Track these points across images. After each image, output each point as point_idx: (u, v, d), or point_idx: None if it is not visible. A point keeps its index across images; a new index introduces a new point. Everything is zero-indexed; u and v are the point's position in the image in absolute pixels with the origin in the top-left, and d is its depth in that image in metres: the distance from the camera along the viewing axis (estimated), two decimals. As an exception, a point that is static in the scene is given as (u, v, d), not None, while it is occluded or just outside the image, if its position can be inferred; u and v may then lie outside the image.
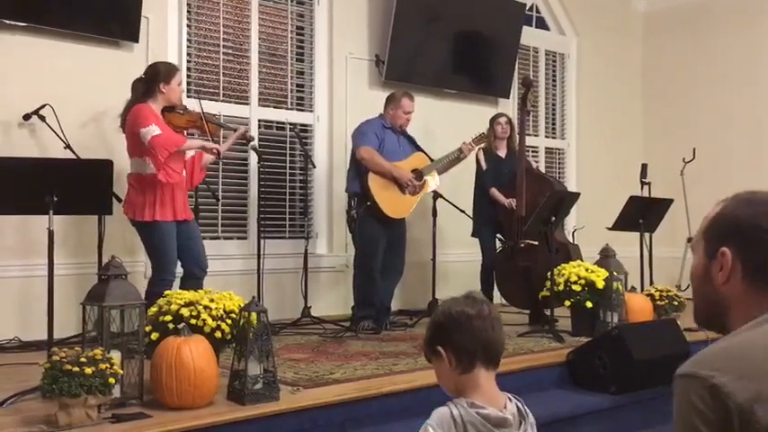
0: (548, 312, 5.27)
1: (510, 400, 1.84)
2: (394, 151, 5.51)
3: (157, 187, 4.37)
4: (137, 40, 5.24)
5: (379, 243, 5.43)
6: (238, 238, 5.96)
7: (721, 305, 1.35)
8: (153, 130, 4.29)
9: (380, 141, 5.45)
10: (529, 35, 7.69)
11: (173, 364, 3.10)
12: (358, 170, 5.43)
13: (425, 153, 5.69)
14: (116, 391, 3.04)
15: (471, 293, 1.89)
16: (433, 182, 5.68)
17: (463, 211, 5.86)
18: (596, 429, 4.09)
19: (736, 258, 1.33)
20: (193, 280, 4.46)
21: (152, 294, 4.10)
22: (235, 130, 4.94)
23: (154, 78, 4.46)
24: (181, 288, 4.24)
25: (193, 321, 3.46)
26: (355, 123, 5.66)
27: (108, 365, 2.88)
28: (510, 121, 6.14)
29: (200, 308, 3.53)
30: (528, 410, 1.85)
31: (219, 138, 5.00)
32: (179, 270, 4.58)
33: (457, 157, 5.75)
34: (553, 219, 5.20)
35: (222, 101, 5.83)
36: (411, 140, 5.68)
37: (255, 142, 5.54)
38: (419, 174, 5.56)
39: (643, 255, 6.15)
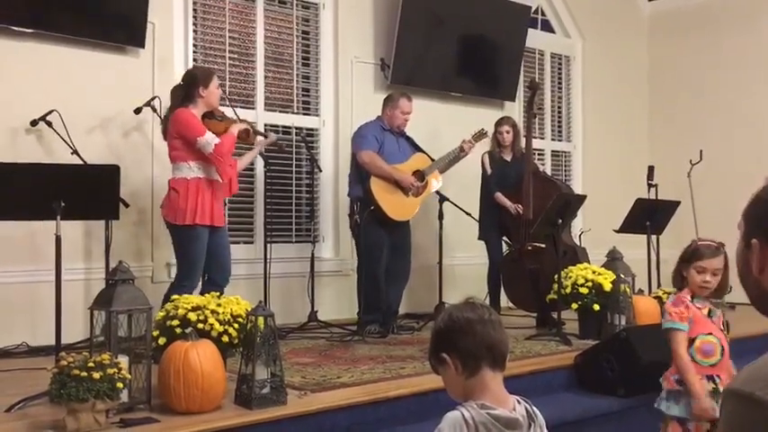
0: (555, 315, 5.26)
1: (519, 402, 1.84)
2: (394, 153, 5.49)
3: (199, 192, 4.39)
4: (143, 46, 5.25)
5: (383, 247, 5.41)
6: (245, 243, 5.96)
7: (764, 295, 1.22)
8: (212, 139, 4.34)
9: (380, 144, 5.43)
10: (534, 38, 7.69)
11: (180, 368, 3.11)
12: (359, 174, 5.40)
13: (426, 153, 5.68)
14: (124, 396, 3.04)
15: (470, 299, 1.90)
16: (435, 182, 5.66)
17: (469, 214, 5.85)
18: (604, 432, 4.08)
19: (766, 248, 1.19)
20: (215, 288, 4.36)
21: (169, 299, 4.09)
22: (265, 137, 4.95)
23: (192, 83, 4.46)
24: (201, 294, 4.22)
25: (201, 326, 3.48)
26: (361, 127, 5.66)
27: (116, 370, 2.89)
28: (514, 126, 6.11)
29: (207, 312, 3.54)
30: (537, 412, 1.85)
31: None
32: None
33: (457, 156, 5.71)
34: (560, 221, 5.19)
35: (228, 105, 5.82)
36: (410, 142, 5.65)
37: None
38: (421, 175, 5.54)
39: (650, 257, 6.13)
